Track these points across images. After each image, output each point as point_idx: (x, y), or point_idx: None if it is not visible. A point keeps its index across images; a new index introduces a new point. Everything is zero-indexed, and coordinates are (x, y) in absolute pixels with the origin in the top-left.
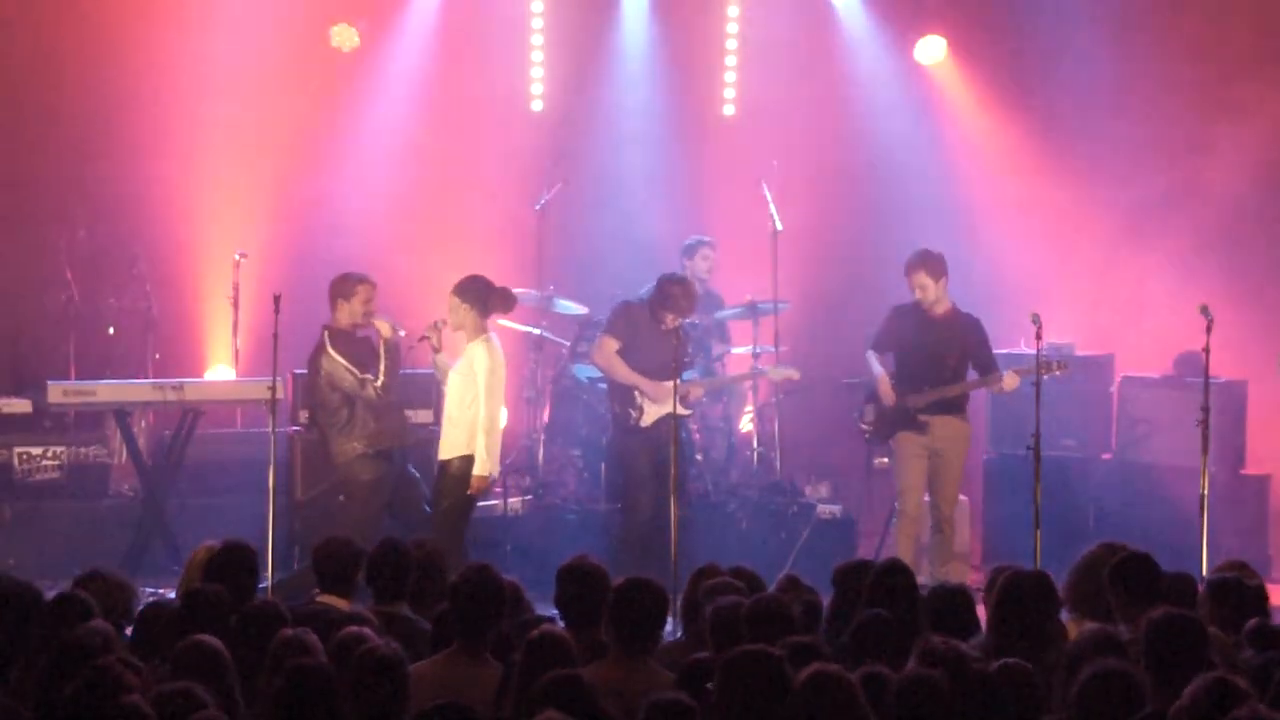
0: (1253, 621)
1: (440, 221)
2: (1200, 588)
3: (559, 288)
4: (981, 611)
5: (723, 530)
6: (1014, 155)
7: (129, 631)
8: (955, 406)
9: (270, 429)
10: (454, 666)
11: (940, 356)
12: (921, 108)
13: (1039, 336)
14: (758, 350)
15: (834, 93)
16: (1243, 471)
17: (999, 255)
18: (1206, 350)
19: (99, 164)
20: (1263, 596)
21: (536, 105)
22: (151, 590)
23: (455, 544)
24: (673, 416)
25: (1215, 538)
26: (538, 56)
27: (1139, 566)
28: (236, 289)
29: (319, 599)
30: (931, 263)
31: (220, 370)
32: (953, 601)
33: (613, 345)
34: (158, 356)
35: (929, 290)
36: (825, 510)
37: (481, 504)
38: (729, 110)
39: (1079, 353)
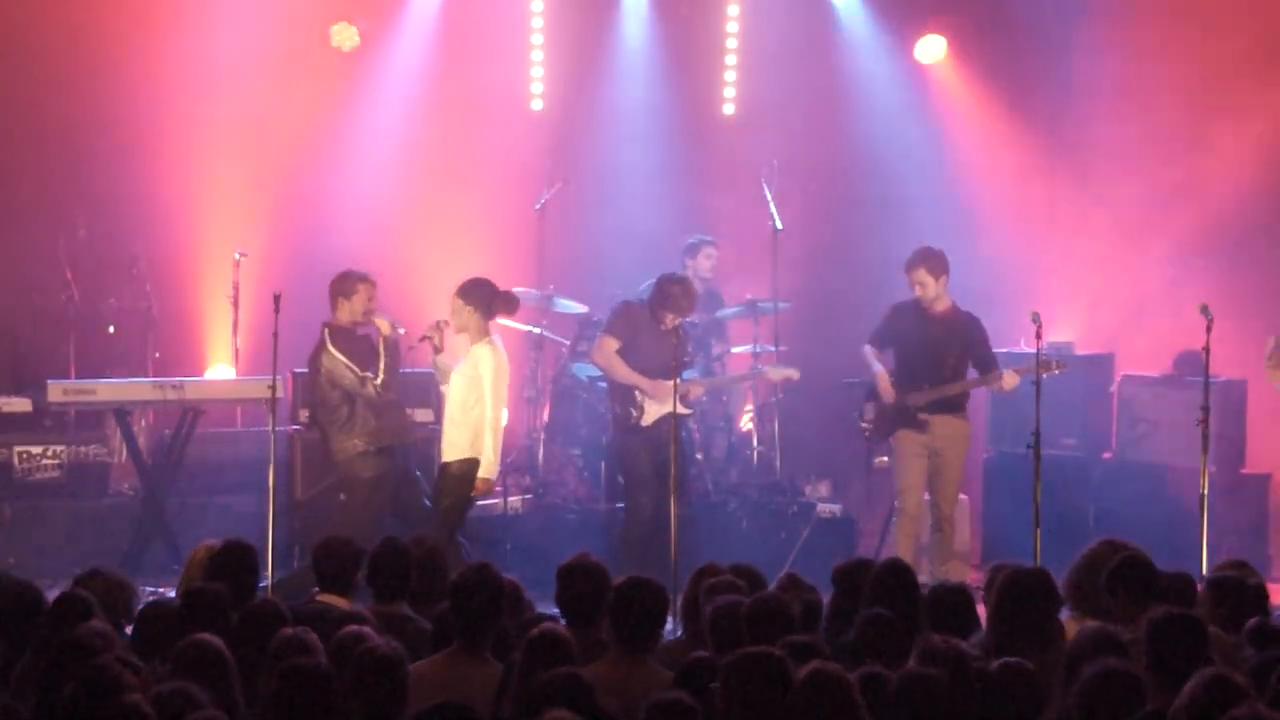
0: (1253, 621)
1: (440, 221)
2: (1200, 587)
3: (559, 287)
4: (981, 610)
5: (723, 530)
6: (1014, 155)
7: (129, 631)
8: (955, 405)
9: (270, 428)
10: (454, 666)
11: (940, 355)
12: (921, 108)
13: (1039, 336)
14: (758, 350)
15: (834, 93)
16: (1243, 471)
17: (999, 255)
18: (1206, 350)
19: (99, 164)
20: (1263, 595)
21: (536, 105)
22: (151, 590)
23: (452, 542)
24: (673, 416)
25: (1215, 538)
26: (538, 56)
27: (1135, 569)
28: (236, 288)
29: (319, 598)
30: (932, 260)
31: (220, 369)
32: (953, 601)
33: (613, 345)
34: (158, 356)
35: (928, 288)
36: (825, 510)
37: (481, 503)
38: (729, 110)
39: (1079, 352)
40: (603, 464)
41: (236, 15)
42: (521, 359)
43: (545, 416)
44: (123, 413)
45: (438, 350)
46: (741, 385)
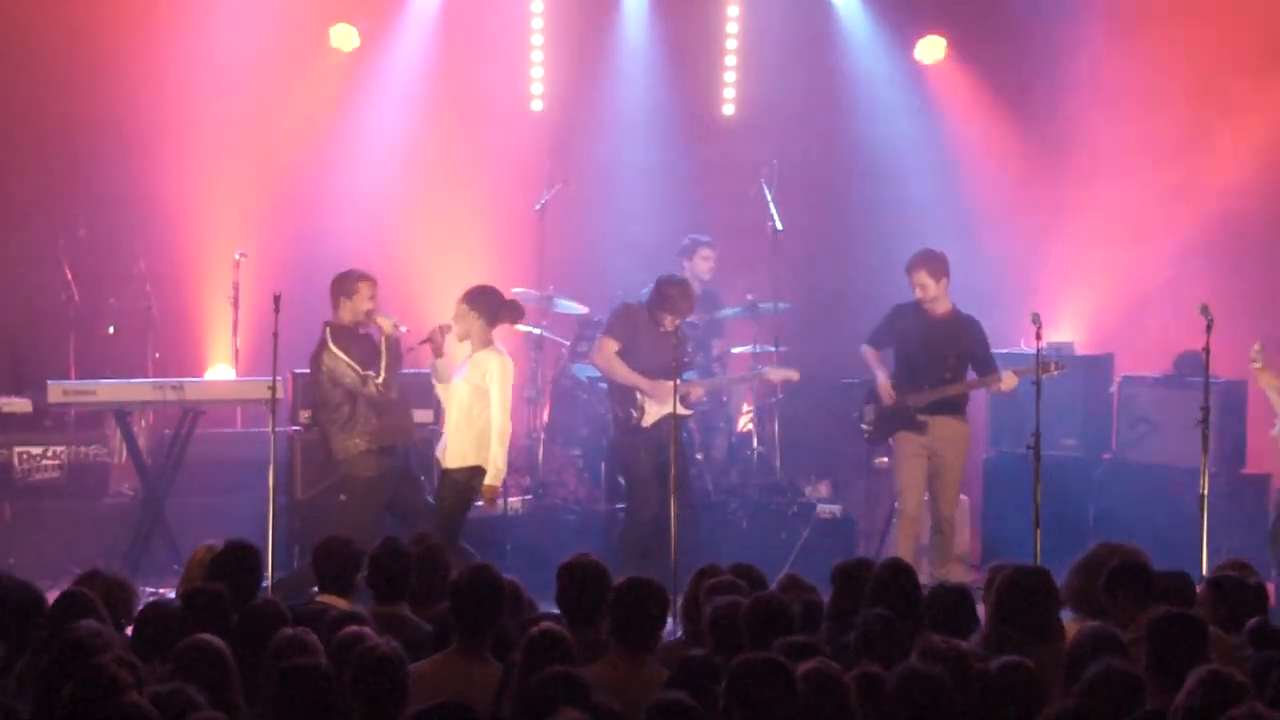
0: (1253, 620)
1: (440, 221)
2: (1200, 587)
3: (559, 288)
4: (981, 611)
5: (723, 530)
6: (1014, 155)
7: (129, 631)
8: (955, 406)
9: (270, 428)
10: (454, 666)
11: (940, 356)
12: (921, 108)
13: (1039, 336)
14: (758, 350)
15: (834, 93)
16: (1243, 471)
17: (999, 255)
18: (1206, 350)
19: (99, 164)
20: (1263, 595)
21: (536, 105)
22: (151, 590)
23: (454, 548)
24: (673, 417)
25: (1215, 538)
26: (538, 56)
27: (1132, 572)
28: (236, 289)
29: (319, 598)
30: (933, 262)
31: (220, 370)
32: (953, 601)
33: (612, 346)
34: (158, 356)
35: (929, 289)
36: (825, 510)
37: (481, 505)
38: (729, 110)
39: (1079, 352)
40: (603, 465)
41: (236, 15)
42: (521, 360)
43: (545, 417)
44: (123, 413)
45: (439, 354)
46: (741, 386)
